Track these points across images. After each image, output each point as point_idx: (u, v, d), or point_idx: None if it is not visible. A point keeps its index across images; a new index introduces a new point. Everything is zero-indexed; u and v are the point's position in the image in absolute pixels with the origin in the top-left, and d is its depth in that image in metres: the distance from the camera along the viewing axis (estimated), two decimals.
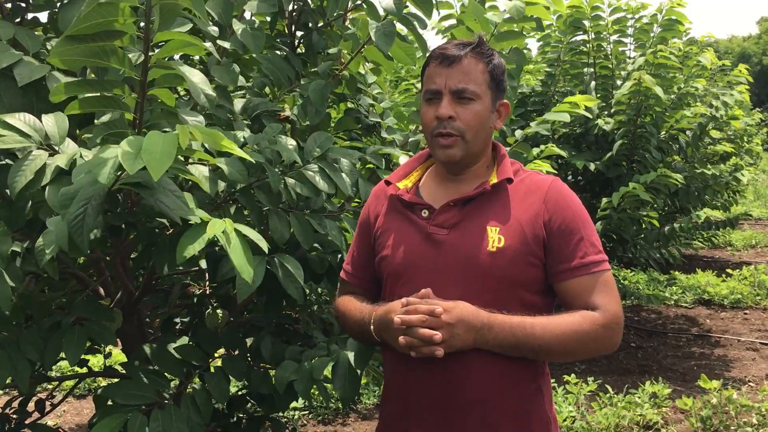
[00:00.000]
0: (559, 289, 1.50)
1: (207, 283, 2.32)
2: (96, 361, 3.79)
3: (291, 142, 1.89)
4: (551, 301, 1.55)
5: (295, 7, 2.23)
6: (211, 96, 1.41)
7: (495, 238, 1.47)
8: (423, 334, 1.38)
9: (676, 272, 7.70)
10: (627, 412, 3.80)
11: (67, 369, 4.01)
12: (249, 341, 2.20)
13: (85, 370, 2.44)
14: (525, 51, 5.69)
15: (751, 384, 4.61)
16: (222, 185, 1.79)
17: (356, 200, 2.18)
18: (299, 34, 2.32)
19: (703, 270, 7.88)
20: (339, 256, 2.04)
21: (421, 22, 2.21)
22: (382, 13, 2.04)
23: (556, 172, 2.75)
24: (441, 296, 1.44)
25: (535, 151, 4.32)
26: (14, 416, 2.17)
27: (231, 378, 2.06)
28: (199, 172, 1.69)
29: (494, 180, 1.53)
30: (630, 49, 5.36)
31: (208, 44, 1.63)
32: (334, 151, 1.96)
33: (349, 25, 2.31)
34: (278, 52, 2.23)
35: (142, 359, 2.03)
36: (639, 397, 4.00)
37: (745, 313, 6.57)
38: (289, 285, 1.87)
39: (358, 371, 1.86)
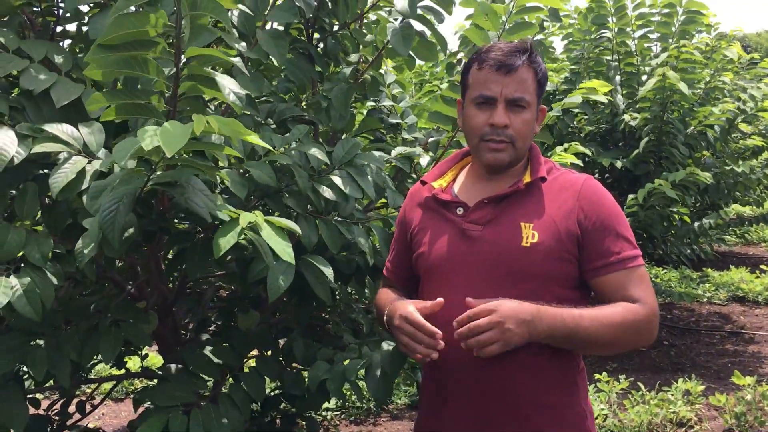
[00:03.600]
0: (597, 284, 1.52)
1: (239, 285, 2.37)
2: (133, 364, 3.87)
3: (320, 147, 1.93)
4: (584, 297, 1.57)
5: (311, 13, 2.28)
6: (241, 95, 1.45)
7: (529, 233, 1.50)
8: (477, 342, 1.39)
9: (709, 269, 7.60)
10: (659, 409, 3.78)
11: (105, 371, 4.11)
12: (280, 342, 2.26)
13: (123, 371, 2.51)
14: (550, 49, 5.74)
15: None
16: (250, 188, 1.84)
17: (383, 200, 2.21)
18: (316, 37, 2.36)
19: (737, 267, 7.77)
20: (365, 257, 2.08)
21: (438, 17, 2.24)
22: (395, 15, 2.07)
23: (580, 164, 2.75)
24: (476, 291, 1.47)
25: (559, 149, 4.34)
26: (56, 417, 2.24)
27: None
28: (230, 176, 1.75)
29: (528, 179, 1.57)
30: (655, 45, 5.33)
31: (235, 59, 1.68)
32: (361, 156, 2.00)
33: (365, 30, 2.35)
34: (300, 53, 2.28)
35: (177, 361, 2.10)
36: (672, 395, 3.97)
37: None
38: (317, 286, 1.92)
39: (391, 374, 1.90)
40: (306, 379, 2.04)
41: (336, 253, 2.03)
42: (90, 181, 1.52)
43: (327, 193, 1.90)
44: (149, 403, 1.93)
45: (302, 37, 2.39)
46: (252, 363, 2.16)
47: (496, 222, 1.54)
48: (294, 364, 2.20)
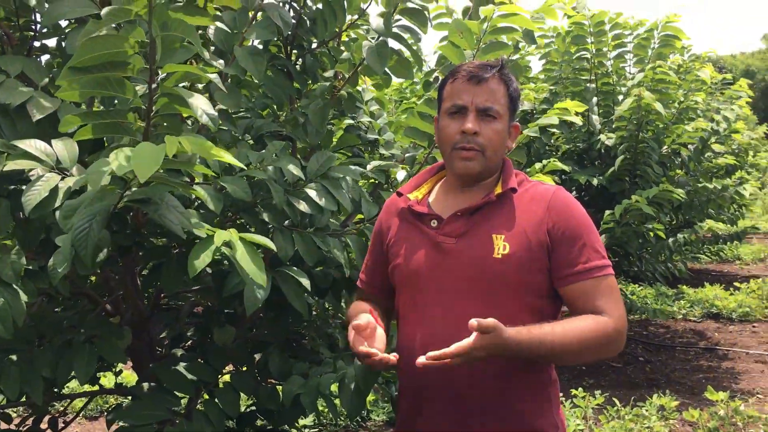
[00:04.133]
0: (565, 293, 1.54)
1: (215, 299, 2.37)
2: (107, 381, 3.83)
3: (294, 161, 1.95)
4: (557, 307, 1.60)
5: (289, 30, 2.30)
6: (213, 115, 1.47)
7: (500, 245, 1.53)
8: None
9: (684, 286, 7.69)
10: (634, 425, 3.81)
11: (78, 388, 4.06)
12: (256, 356, 2.26)
13: (96, 388, 2.49)
14: (527, 68, 5.81)
15: (759, 396, 4.60)
16: (226, 203, 1.85)
17: (360, 215, 2.23)
18: (295, 53, 2.38)
19: (711, 284, 7.86)
20: (342, 271, 2.09)
21: (414, 35, 2.28)
22: (371, 36, 2.10)
23: (558, 185, 2.78)
24: (450, 303, 1.52)
25: (538, 165, 4.38)
26: None
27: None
28: (204, 191, 1.75)
29: (499, 190, 1.59)
30: (630, 65, 5.43)
31: (213, 75, 1.70)
32: (336, 169, 2.02)
33: (343, 48, 2.38)
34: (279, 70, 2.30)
35: (152, 378, 2.09)
36: (646, 410, 4.01)
37: (754, 326, 6.56)
38: (294, 298, 1.93)
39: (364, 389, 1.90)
40: (281, 394, 2.03)
41: (312, 267, 2.04)
42: (63, 199, 1.52)
43: (302, 206, 1.92)
44: (122, 422, 1.92)
45: (281, 54, 2.41)
46: (227, 378, 2.15)
47: (469, 234, 1.56)
48: (270, 379, 2.19)
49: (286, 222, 2.00)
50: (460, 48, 2.33)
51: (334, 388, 1.92)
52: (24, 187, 1.61)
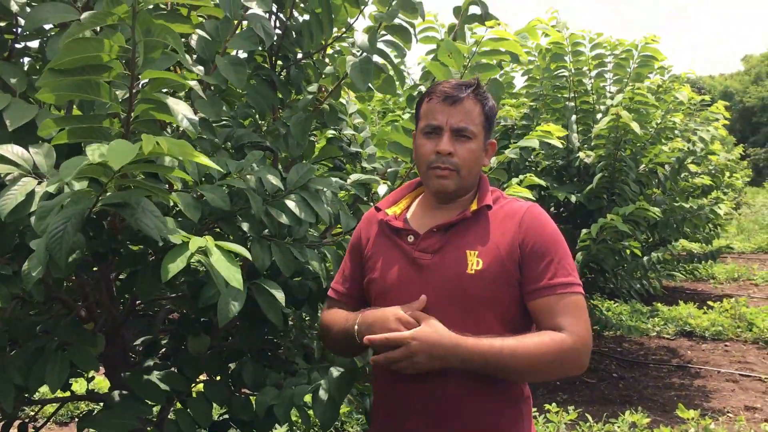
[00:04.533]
0: (531, 308, 1.56)
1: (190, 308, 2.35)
2: (79, 387, 3.79)
3: (274, 172, 1.95)
4: (531, 321, 1.61)
5: (274, 41, 2.31)
6: (194, 120, 1.47)
7: (474, 261, 1.55)
8: (383, 359, 1.51)
9: (659, 304, 7.77)
10: None
11: (49, 393, 4.01)
12: (231, 366, 2.25)
13: (68, 394, 2.46)
14: (510, 84, 5.87)
15: (729, 414, 4.66)
16: (205, 212, 1.85)
17: (338, 228, 2.24)
18: (279, 64, 2.39)
19: (686, 302, 7.96)
20: (319, 282, 2.09)
21: (400, 51, 2.30)
22: (356, 50, 2.12)
23: (533, 198, 2.81)
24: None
25: (515, 180, 4.42)
26: None
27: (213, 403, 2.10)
28: (183, 199, 1.75)
29: (474, 207, 1.62)
30: (609, 84, 5.50)
31: (193, 83, 1.70)
32: (315, 181, 2.02)
33: (327, 61, 2.39)
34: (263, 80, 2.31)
35: (125, 385, 2.07)
36: (618, 427, 4.04)
37: (726, 345, 6.64)
38: (269, 310, 1.92)
39: (338, 400, 1.90)
40: (255, 405, 2.03)
41: (289, 278, 2.04)
42: (39, 203, 1.51)
43: (282, 217, 1.92)
44: (93, 429, 1.90)
45: (265, 64, 2.42)
46: (201, 387, 2.14)
47: (444, 250, 1.58)
48: (243, 389, 2.18)
49: (265, 232, 2.00)
50: (448, 67, 2.35)
51: (308, 398, 1.91)
52: None
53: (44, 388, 3.84)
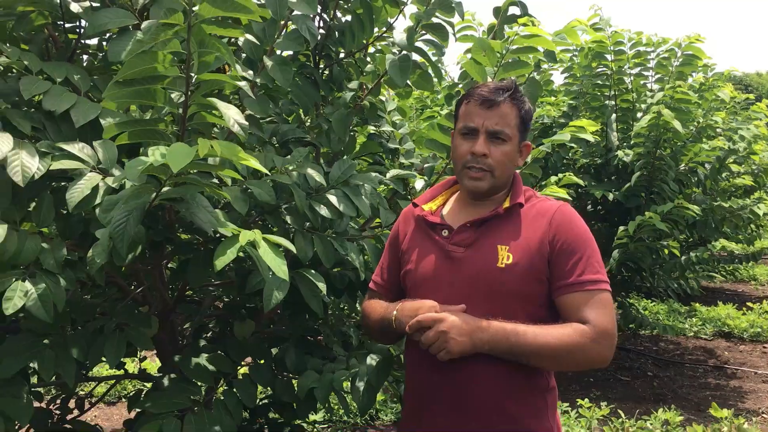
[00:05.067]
0: (558, 303, 1.64)
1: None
2: (131, 368, 3.96)
3: (317, 168, 2.06)
4: (557, 316, 1.69)
5: (318, 40, 2.42)
6: (244, 125, 1.58)
7: (504, 255, 1.64)
8: (418, 339, 1.60)
9: (697, 304, 7.71)
10: None
11: (103, 371, 4.20)
12: (274, 351, 2.37)
13: (122, 372, 2.62)
14: (549, 81, 5.89)
15: (764, 415, 4.65)
16: (252, 205, 1.96)
17: (377, 221, 2.34)
18: (322, 62, 2.50)
19: (725, 303, 7.88)
20: (357, 274, 2.19)
21: (439, 50, 2.39)
22: (396, 48, 2.22)
23: (570, 198, 2.86)
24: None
25: (554, 179, 4.46)
26: (57, 412, 2.34)
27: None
28: (232, 193, 1.87)
29: (507, 204, 1.71)
30: (651, 82, 5.49)
31: (242, 83, 1.81)
32: (356, 176, 2.13)
33: (368, 59, 2.48)
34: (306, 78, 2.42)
35: (172, 368, 2.21)
36: (651, 423, 4.07)
37: (764, 347, 6.58)
38: (311, 299, 2.03)
39: (376, 386, 2.01)
40: (296, 387, 2.14)
41: (330, 268, 2.15)
42: (103, 196, 1.64)
43: (323, 210, 2.03)
44: (144, 407, 2.03)
45: (309, 63, 2.53)
46: (245, 370, 2.26)
47: (477, 244, 1.68)
48: (285, 373, 2.30)
49: (307, 225, 2.11)
50: (482, 65, 2.43)
51: (346, 384, 2.02)
52: (64, 184, 1.74)
53: (98, 367, 4.04)
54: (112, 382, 2.80)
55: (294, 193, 1.96)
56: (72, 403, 2.48)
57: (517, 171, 1.82)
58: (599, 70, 5.14)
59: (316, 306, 2.04)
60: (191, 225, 1.78)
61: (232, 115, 1.60)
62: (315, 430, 4.28)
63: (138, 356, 2.68)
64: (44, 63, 1.85)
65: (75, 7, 1.97)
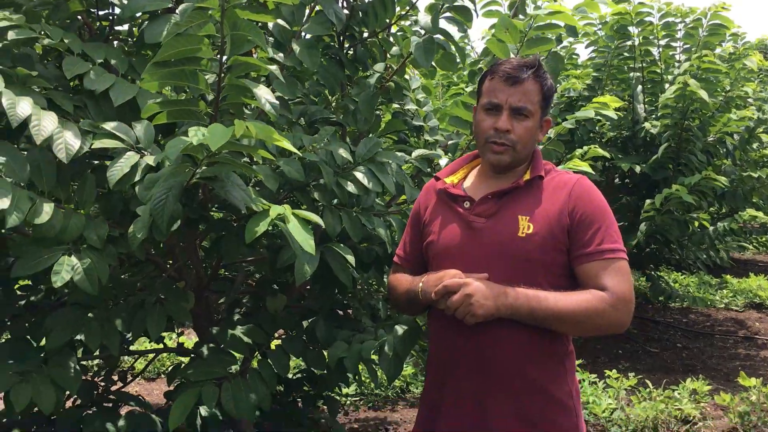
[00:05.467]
0: (577, 272, 1.70)
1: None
2: (168, 343, 4.10)
3: (343, 146, 2.13)
4: (577, 286, 1.73)
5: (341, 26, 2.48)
6: (275, 104, 1.66)
7: (525, 225, 1.70)
8: (453, 300, 1.65)
9: (728, 276, 7.68)
10: (665, 406, 3.92)
11: (142, 346, 4.34)
12: (305, 324, 2.47)
13: (161, 346, 2.73)
14: (574, 55, 5.87)
15: None
16: (281, 182, 2.04)
17: (402, 198, 2.40)
18: (347, 44, 2.56)
19: (756, 274, 7.83)
20: (385, 248, 2.27)
21: (461, 27, 2.43)
22: (420, 30, 2.27)
23: (592, 172, 2.89)
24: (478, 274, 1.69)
25: (579, 152, 4.48)
26: (101, 383, 2.47)
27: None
28: (263, 171, 1.95)
29: (527, 177, 1.76)
30: (679, 53, 5.44)
31: (272, 67, 1.88)
32: (382, 154, 2.20)
33: (392, 39, 2.53)
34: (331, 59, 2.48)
35: (210, 340, 2.31)
36: (679, 393, 4.11)
37: None
38: (340, 272, 2.12)
39: (402, 354, 2.09)
40: (327, 358, 2.23)
41: (357, 243, 2.22)
42: (141, 174, 1.74)
43: (350, 187, 2.10)
44: (184, 378, 2.14)
45: (334, 44, 2.59)
46: (278, 342, 2.36)
47: (498, 215, 1.74)
48: (316, 345, 2.39)
49: (335, 201, 2.18)
50: (505, 43, 2.47)
51: (374, 356, 2.10)
52: (106, 163, 1.84)
53: (138, 342, 4.18)
54: (151, 356, 2.89)
55: (322, 170, 2.03)
56: (115, 376, 2.60)
57: (539, 147, 1.86)
58: (623, 42, 5.11)
59: (345, 279, 2.12)
60: (225, 203, 1.86)
61: (264, 95, 1.68)
62: (347, 401, 4.39)
63: (176, 332, 2.79)
64: (84, 44, 1.93)
65: None
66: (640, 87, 5.21)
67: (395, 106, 2.85)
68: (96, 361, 2.77)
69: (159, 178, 1.60)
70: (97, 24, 2.31)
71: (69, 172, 1.83)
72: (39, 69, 1.93)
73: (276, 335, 2.55)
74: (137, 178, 1.74)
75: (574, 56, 5.96)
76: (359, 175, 2.12)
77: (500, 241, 1.70)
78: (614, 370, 4.41)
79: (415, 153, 2.44)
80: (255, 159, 2.04)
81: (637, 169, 5.05)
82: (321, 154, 2.09)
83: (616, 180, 5.78)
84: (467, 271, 1.70)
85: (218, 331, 2.25)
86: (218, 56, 1.63)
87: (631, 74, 5.24)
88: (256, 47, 2.17)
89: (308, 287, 2.49)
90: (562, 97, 5.47)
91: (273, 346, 2.34)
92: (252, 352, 2.28)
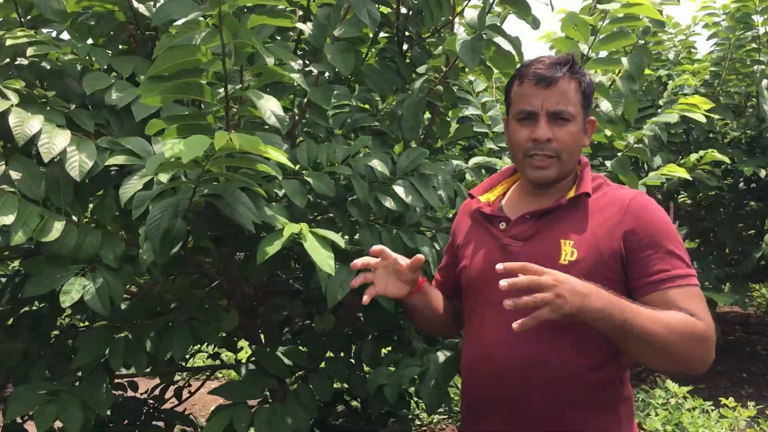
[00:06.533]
0: (645, 302, 1.40)
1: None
2: (227, 357, 4.09)
3: (383, 157, 1.96)
4: None
5: (398, 21, 2.32)
6: (281, 116, 1.53)
7: (568, 251, 1.45)
8: (530, 301, 1.28)
9: None
10: None
11: (198, 361, 4.34)
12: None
13: (218, 362, 2.69)
14: (691, 49, 5.39)
15: None
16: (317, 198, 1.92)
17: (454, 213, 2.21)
18: (406, 46, 2.41)
19: None
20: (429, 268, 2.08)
21: (535, 23, 2.20)
22: (463, 29, 2.07)
23: (689, 177, 2.56)
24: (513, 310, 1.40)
25: (693, 157, 4.06)
26: (152, 401, 2.44)
27: None
28: (289, 186, 1.83)
29: (571, 194, 1.52)
30: None
31: (295, 75, 1.76)
32: (426, 166, 2.01)
33: (438, 42, 2.35)
34: (389, 64, 2.34)
35: (255, 360, 2.23)
36: None
37: None
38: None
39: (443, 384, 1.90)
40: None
41: None
42: (157, 191, 1.66)
43: (388, 202, 1.94)
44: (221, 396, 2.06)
45: (394, 46, 2.44)
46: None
47: (537, 238, 1.50)
48: (362, 369, 2.26)
49: (377, 218, 2.03)
50: (574, 40, 2.22)
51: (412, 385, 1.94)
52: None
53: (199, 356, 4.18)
54: (209, 373, 2.80)
55: (354, 184, 1.88)
56: (171, 392, 2.58)
57: (585, 158, 1.61)
58: (746, 32, 4.61)
59: (384, 301, 1.96)
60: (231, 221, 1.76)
61: (270, 107, 1.56)
62: (434, 419, 4.22)
63: (236, 347, 2.73)
64: (113, 58, 1.90)
65: (142, 9, 2.01)
66: (765, 81, 4.68)
67: (462, 112, 2.65)
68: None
69: (148, 197, 1.52)
70: (143, 35, 2.28)
71: (88, 189, 1.79)
72: (71, 84, 1.91)
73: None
74: (154, 194, 1.66)
75: (692, 50, 5.48)
76: (399, 190, 1.95)
77: None
78: (731, 399, 3.96)
79: (472, 161, 2.24)
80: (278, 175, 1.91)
81: (762, 173, 4.55)
82: (359, 166, 1.94)
83: (741, 184, 5.25)
84: (501, 303, 1.41)
85: (258, 351, 2.16)
86: (222, 66, 1.53)
87: (756, 67, 4.72)
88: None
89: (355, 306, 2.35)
90: (676, 95, 5.02)
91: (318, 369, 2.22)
92: (294, 373, 2.17)
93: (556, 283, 1.28)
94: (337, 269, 1.87)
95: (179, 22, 1.49)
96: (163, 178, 1.51)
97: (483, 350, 1.50)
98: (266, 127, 1.80)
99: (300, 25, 1.98)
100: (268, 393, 2.16)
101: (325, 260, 1.56)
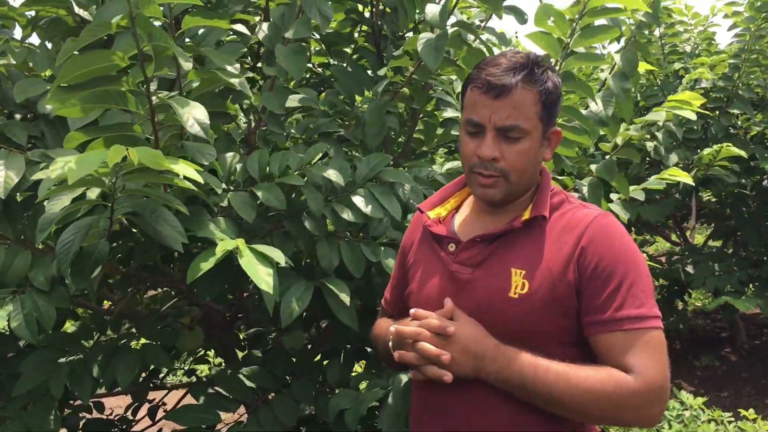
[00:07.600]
0: (592, 343, 1.26)
1: None
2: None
3: (341, 165, 1.83)
4: (589, 355, 1.29)
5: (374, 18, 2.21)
6: (204, 124, 1.40)
7: (519, 282, 1.27)
8: (424, 348, 1.25)
9: None
10: None
11: (172, 378, 4.14)
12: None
13: (193, 379, 2.58)
14: (711, 41, 5.16)
15: None
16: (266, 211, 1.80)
17: None
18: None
19: None
20: None
21: (520, 17, 2.06)
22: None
23: (691, 182, 2.37)
24: None
25: (707, 151, 3.85)
26: (118, 423, 2.34)
27: None
28: (236, 199, 1.71)
29: (526, 216, 1.33)
30: None
31: (236, 81, 1.64)
32: (388, 173, 1.87)
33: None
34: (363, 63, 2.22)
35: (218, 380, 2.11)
36: None
37: None
38: (339, 310, 1.83)
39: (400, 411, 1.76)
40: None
41: (359, 278, 1.91)
42: (84, 211, 1.55)
43: (346, 214, 1.80)
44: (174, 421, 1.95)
45: (370, 46, 2.32)
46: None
47: (487, 264, 1.33)
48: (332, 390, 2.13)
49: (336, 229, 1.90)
50: (551, 34, 2.06)
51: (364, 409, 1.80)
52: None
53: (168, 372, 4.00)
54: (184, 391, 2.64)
55: (306, 195, 1.75)
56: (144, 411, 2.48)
57: (546, 169, 1.41)
58: (767, 22, 4.37)
59: (346, 318, 1.84)
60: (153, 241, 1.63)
61: (194, 114, 1.43)
62: None
63: (212, 362, 2.63)
64: (53, 63, 1.80)
65: (85, 14, 1.91)
66: None
67: (445, 114, 2.50)
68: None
69: (53, 219, 1.40)
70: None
71: (21, 206, 1.69)
72: (8, 92, 1.80)
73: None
74: (81, 213, 1.55)
75: (712, 42, 5.24)
76: (357, 200, 1.81)
77: (489, 301, 1.29)
78: (751, 410, 3.75)
79: (444, 167, 2.09)
80: (217, 189, 1.78)
81: None
82: (313, 176, 1.80)
83: (765, 182, 4.99)
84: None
85: (218, 373, 2.04)
86: (142, 71, 1.41)
87: None
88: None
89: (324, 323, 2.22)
90: (692, 89, 4.79)
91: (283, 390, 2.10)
92: (256, 397, 2.04)
93: (447, 343, 1.25)
94: (293, 284, 1.76)
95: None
96: (66, 199, 1.40)
97: (434, 394, 1.34)
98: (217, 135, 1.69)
99: (241, 27, 1.86)
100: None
101: (262, 277, 1.45)
